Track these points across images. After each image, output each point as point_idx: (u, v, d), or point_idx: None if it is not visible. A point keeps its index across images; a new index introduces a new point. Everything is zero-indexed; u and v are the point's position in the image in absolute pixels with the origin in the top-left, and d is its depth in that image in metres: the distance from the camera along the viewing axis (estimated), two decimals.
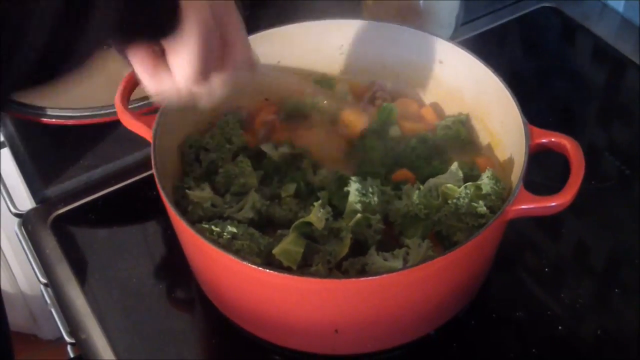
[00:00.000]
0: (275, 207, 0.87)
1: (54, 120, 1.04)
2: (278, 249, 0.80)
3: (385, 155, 0.93)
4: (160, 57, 0.67)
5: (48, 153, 1.08)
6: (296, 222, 0.82)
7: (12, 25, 0.49)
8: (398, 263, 0.79)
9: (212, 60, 0.67)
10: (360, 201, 0.84)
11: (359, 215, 0.83)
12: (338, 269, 0.81)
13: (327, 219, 0.83)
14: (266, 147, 0.93)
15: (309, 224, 0.82)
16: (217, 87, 0.70)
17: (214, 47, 0.66)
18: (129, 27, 0.60)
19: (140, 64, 0.67)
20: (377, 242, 0.83)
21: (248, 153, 0.93)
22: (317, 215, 0.82)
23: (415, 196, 0.85)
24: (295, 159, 0.93)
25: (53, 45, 0.52)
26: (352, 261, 0.81)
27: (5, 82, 0.52)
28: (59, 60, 0.55)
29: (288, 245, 0.81)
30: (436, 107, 1.00)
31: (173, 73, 0.66)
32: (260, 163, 0.92)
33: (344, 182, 0.87)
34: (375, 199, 0.84)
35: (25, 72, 0.52)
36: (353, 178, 0.86)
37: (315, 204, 0.84)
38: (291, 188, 0.88)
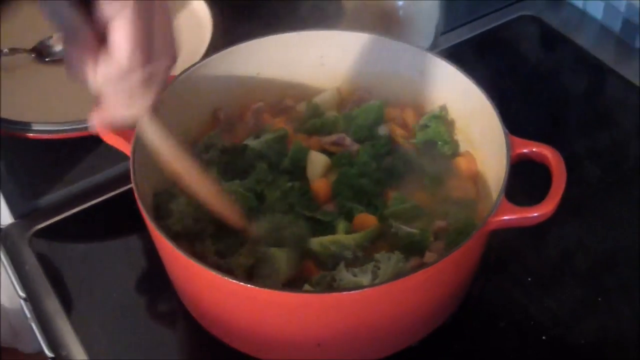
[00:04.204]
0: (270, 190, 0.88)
1: (32, 134, 1.03)
2: None
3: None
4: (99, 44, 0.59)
5: (27, 167, 1.07)
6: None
7: None
8: (366, 278, 0.78)
9: (153, 35, 0.59)
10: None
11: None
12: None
13: None
14: (247, 140, 0.94)
15: None
16: (156, 78, 0.62)
17: (153, 19, 0.58)
18: None
19: (76, 42, 0.59)
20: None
21: (231, 154, 0.93)
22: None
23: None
24: (279, 142, 0.94)
25: None
26: (322, 275, 0.80)
27: None
28: None
29: None
30: (418, 112, 0.99)
31: (114, 47, 0.57)
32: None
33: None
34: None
35: None
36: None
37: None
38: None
